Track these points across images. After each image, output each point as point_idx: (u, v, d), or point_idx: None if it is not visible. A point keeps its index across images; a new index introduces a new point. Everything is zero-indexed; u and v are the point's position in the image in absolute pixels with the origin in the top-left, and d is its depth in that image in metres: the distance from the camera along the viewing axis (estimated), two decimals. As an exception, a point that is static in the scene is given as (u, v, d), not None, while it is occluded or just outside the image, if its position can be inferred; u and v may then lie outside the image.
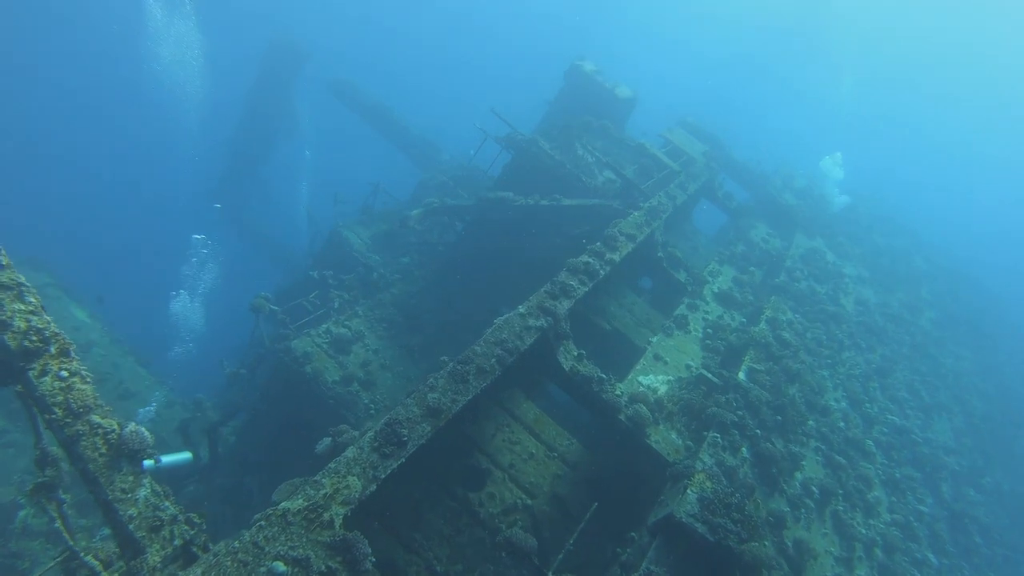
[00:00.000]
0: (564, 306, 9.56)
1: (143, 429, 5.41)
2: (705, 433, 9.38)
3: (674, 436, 9.48)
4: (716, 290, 13.93)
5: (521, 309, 9.04)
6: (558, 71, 20.19)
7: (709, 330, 12.36)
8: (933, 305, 20.55)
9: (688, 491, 7.82)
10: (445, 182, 19.73)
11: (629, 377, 10.26)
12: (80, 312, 15.40)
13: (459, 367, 7.79)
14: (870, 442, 12.02)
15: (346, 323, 13.95)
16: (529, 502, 9.39)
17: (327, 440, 8.44)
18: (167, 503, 5.40)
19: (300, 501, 5.94)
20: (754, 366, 11.07)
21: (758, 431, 9.86)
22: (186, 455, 8.45)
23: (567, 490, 9.66)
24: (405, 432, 6.82)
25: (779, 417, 10.43)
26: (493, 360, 8.08)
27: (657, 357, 11.04)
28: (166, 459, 7.94)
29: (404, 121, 25.97)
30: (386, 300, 15.17)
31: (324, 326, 13.58)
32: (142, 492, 5.26)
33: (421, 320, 15.16)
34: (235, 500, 13.19)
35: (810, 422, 11.08)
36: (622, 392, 9.46)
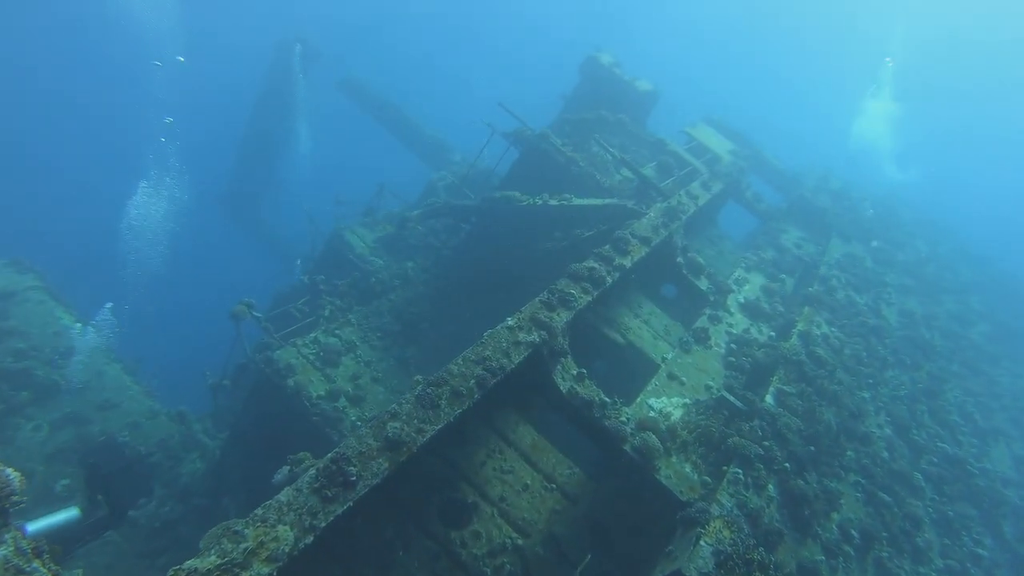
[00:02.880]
0: (562, 318, 8.35)
1: (9, 471, 4.36)
2: (725, 468, 8.06)
3: (688, 469, 8.18)
4: (742, 300, 12.55)
5: (510, 321, 7.86)
6: (578, 66, 19.02)
7: (733, 345, 11.01)
8: (985, 317, 18.77)
9: (701, 542, 6.53)
10: (454, 182, 18.68)
11: (638, 400, 8.99)
12: (65, 316, 14.67)
13: (429, 390, 6.63)
14: (918, 475, 10.54)
15: (336, 332, 12.93)
16: (520, 542, 8.17)
17: (285, 469, 7.38)
18: (37, 564, 4.33)
19: (213, 558, 4.85)
20: (784, 388, 9.69)
21: (787, 464, 8.51)
22: (71, 512, 7.11)
23: (565, 529, 8.41)
24: (354, 470, 5.68)
25: (812, 448, 9.05)
26: (472, 382, 6.90)
27: (672, 376, 9.74)
28: (34, 527, 6.67)
29: (416, 120, 25.07)
30: (383, 307, 14.11)
31: (312, 335, 12.57)
32: (1, 552, 4.20)
33: (419, 329, 14.08)
34: (212, 523, 12.25)
35: (849, 453, 9.67)
36: (628, 418, 8.20)
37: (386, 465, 5.96)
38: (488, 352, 7.29)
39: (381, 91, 25.66)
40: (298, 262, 15.11)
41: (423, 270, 15.83)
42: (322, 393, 11.71)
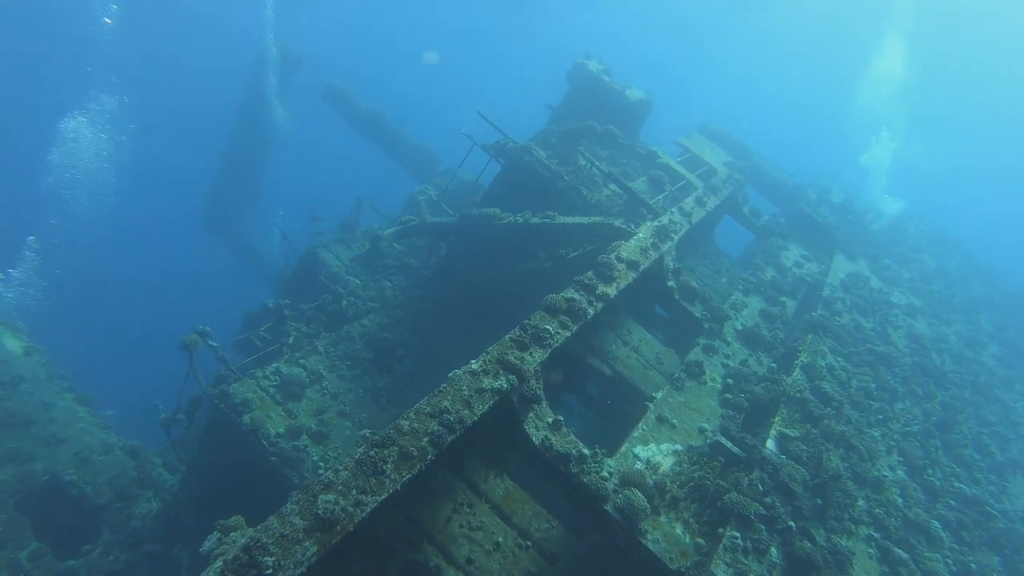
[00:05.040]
0: (535, 359, 7.37)
1: None
2: (721, 530, 7.07)
3: (679, 531, 7.18)
4: (739, 327, 11.58)
5: (474, 364, 6.86)
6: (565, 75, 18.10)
7: (729, 380, 10.02)
8: (995, 337, 17.81)
9: (693, 631, 5.54)
10: (434, 197, 17.73)
11: (623, 448, 7.99)
12: (13, 343, 13.66)
13: (372, 453, 5.63)
14: (936, 523, 9.54)
15: (301, 361, 11.94)
16: (489, 613, 7.20)
17: (214, 536, 6.36)
18: None
19: None
20: (786, 431, 8.71)
21: (792, 523, 7.52)
22: None
23: (541, 595, 7.44)
24: (271, 560, 4.70)
25: (820, 500, 8.07)
26: (425, 440, 5.91)
27: (661, 419, 8.74)
28: None
29: (400, 130, 24.11)
30: (354, 333, 13.13)
31: (274, 365, 11.58)
32: None
33: (394, 357, 13.09)
34: (162, 572, 11.23)
35: (860, 502, 8.68)
36: (611, 472, 7.21)
37: (314, 550, 4.97)
38: (446, 403, 6.30)
39: (365, 99, 24.71)
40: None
41: (401, 291, 14.86)
42: (281, 431, 10.71)
